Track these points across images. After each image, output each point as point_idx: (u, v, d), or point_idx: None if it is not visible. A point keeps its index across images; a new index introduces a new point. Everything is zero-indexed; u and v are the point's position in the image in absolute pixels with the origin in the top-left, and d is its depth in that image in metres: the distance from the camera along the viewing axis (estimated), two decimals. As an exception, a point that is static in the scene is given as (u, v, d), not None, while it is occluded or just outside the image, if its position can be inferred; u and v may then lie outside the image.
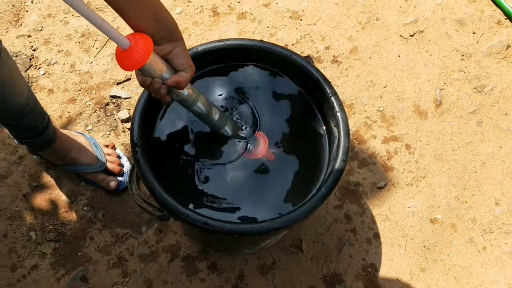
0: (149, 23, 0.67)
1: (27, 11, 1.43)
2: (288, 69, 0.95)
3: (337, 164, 0.84)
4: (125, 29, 1.38)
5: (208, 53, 0.93)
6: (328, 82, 0.91)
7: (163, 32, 0.69)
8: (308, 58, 0.96)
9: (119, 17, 0.68)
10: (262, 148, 0.90)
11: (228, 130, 0.88)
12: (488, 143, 1.32)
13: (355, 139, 1.31)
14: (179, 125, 0.92)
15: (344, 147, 0.86)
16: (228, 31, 1.43)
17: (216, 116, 0.84)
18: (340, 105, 0.89)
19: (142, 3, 0.66)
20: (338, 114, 0.88)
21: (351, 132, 1.24)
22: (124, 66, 0.67)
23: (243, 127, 0.92)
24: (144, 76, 0.71)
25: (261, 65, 0.97)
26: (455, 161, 1.30)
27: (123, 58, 0.66)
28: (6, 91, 0.92)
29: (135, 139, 0.84)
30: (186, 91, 0.77)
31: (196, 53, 0.92)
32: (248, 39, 0.95)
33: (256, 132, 0.92)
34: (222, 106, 0.93)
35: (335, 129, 0.89)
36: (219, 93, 0.95)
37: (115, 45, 0.67)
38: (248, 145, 0.91)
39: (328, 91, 0.90)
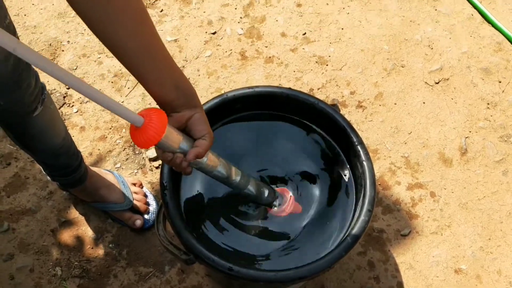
0: (169, 89, 0.67)
1: (63, 51, 1.49)
2: (315, 117, 0.97)
3: (363, 214, 0.84)
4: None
5: (237, 100, 0.96)
6: (355, 131, 0.93)
7: (183, 98, 0.69)
8: (334, 106, 0.99)
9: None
10: (288, 205, 0.90)
11: (252, 189, 0.87)
12: (515, 193, 1.31)
13: (380, 184, 1.31)
14: None
15: (370, 196, 0.86)
16: (256, 74, 1.46)
17: (237, 177, 0.83)
18: (366, 154, 0.90)
19: (162, 68, 0.66)
20: (365, 163, 0.89)
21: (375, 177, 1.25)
22: (140, 143, 0.64)
23: (268, 189, 0.91)
24: (162, 150, 0.70)
25: (287, 113, 0.99)
26: (480, 211, 1.29)
27: (138, 135, 0.64)
28: (46, 134, 0.96)
29: (165, 182, 0.86)
30: (204, 159, 0.76)
31: (226, 99, 0.95)
32: (277, 87, 0.98)
33: (282, 189, 0.93)
34: (244, 160, 0.93)
35: (361, 178, 0.90)
36: (242, 144, 0.96)
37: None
38: (275, 202, 0.92)
39: (355, 140, 0.92)
